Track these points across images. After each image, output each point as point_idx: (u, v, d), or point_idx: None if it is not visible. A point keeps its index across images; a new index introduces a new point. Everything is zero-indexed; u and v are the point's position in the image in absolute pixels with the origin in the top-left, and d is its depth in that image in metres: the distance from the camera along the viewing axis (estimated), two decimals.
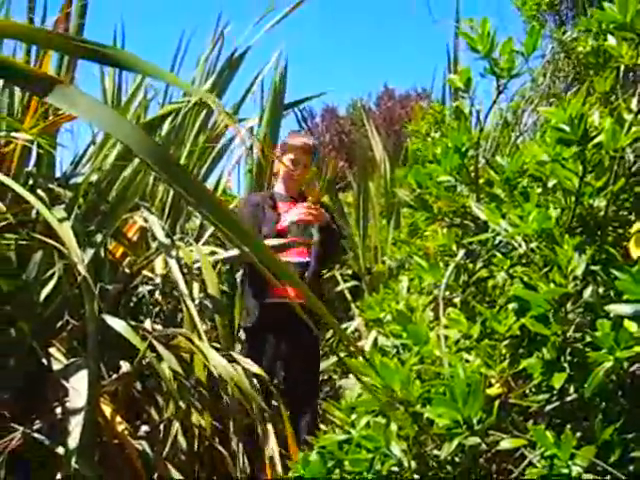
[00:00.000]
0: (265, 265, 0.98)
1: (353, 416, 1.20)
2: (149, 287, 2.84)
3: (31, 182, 2.50)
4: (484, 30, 1.29)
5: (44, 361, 1.98)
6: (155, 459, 2.07)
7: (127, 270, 2.80)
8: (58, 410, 1.96)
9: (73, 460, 1.69)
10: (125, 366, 2.32)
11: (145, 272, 2.81)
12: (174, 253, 2.53)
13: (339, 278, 4.59)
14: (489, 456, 1.08)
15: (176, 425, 2.34)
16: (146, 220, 3.02)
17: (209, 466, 2.54)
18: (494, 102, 1.43)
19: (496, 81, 1.34)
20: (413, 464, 1.09)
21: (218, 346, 2.51)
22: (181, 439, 2.39)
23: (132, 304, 2.84)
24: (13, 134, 2.30)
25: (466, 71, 1.36)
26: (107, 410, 1.98)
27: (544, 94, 3.59)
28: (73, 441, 1.73)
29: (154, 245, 3.07)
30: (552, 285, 1.04)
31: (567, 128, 1.12)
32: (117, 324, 2.25)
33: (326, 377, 4.01)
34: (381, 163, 5.08)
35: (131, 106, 3.34)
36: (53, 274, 2.21)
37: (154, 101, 3.82)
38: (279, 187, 3.39)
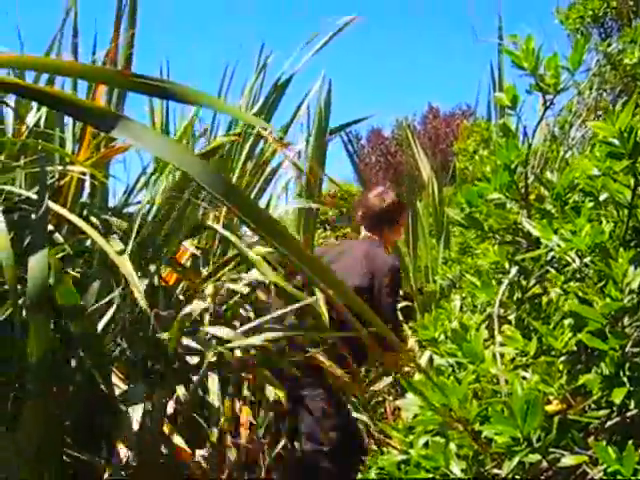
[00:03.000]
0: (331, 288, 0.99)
1: (410, 437, 1.20)
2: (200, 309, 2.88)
3: (85, 213, 2.56)
4: (529, 47, 1.30)
5: (103, 387, 2.02)
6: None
7: (181, 296, 2.85)
8: (119, 435, 2.00)
9: None
10: (180, 390, 2.36)
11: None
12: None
13: None
14: (550, 474, 1.07)
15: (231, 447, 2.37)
16: (197, 248, 3.08)
17: None
18: (541, 118, 1.44)
19: (542, 97, 1.35)
20: None
21: None
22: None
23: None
24: (68, 167, 2.37)
25: (512, 88, 1.36)
26: (167, 431, 2.01)
27: (591, 107, 3.56)
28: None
29: (204, 271, 3.13)
30: (608, 299, 1.03)
31: (616, 142, 1.12)
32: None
33: (380, 399, 3.99)
34: (428, 183, 5.07)
35: (183, 141, 3.41)
36: (110, 303, 2.25)
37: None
38: None
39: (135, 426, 1.88)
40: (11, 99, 2.53)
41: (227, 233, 2.81)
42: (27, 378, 1.65)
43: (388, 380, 3.93)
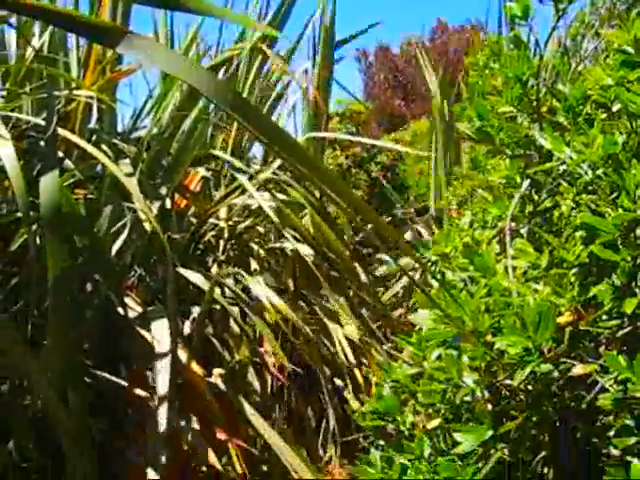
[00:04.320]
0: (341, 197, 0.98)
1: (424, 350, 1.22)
2: (213, 233, 2.90)
3: (95, 138, 2.55)
4: None
5: (120, 310, 2.05)
6: (231, 397, 2.14)
7: (193, 219, 2.86)
8: (140, 357, 2.04)
9: (164, 406, 1.76)
10: (195, 310, 2.40)
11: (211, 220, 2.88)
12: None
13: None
14: (561, 383, 1.09)
15: (249, 367, 2.42)
16: (208, 170, 3.08)
17: (285, 407, 2.62)
18: (554, 28, 1.40)
19: (555, 6, 1.31)
20: (486, 394, 1.11)
21: None
22: (254, 381, 2.47)
23: (199, 252, 2.91)
24: (75, 92, 2.35)
25: None
26: (183, 355, 2.05)
27: (605, 17, 3.47)
28: (162, 387, 1.80)
29: (216, 194, 3.13)
30: (620, 210, 1.03)
31: (631, 50, 1.10)
32: (187, 272, 2.32)
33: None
34: (437, 99, 5.00)
35: (188, 55, 3.36)
36: (123, 227, 2.27)
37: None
38: None
39: (157, 348, 1.91)
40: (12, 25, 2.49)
41: (233, 160, 2.82)
42: (47, 299, 1.67)
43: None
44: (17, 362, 1.67)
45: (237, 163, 2.83)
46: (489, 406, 1.10)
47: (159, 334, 1.94)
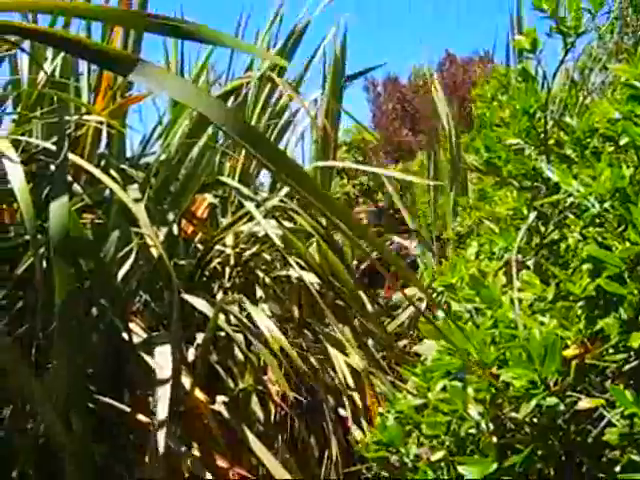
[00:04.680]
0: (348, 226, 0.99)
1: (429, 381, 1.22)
2: (219, 260, 2.90)
3: (104, 163, 2.57)
4: None
5: (125, 336, 2.05)
6: (234, 425, 2.13)
7: (199, 245, 2.87)
8: (143, 383, 2.03)
9: (162, 432, 1.75)
10: (200, 337, 2.39)
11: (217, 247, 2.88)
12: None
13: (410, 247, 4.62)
14: (567, 417, 1.08)
15: (253, 395, 2.41)
16: (216, 197, 3.09)
17: (288, 436, 2.60)
18: (561, 62, 1.41)
19: (563, 40, 1.32)
20: (491, 426, 1.10)
21: None
22: (258, 409, 2.45)
23: (205, 278, 2.91)
24: (85, 117, 2.37)
25: (532, 31, 1.34)
26: (187, 381, 2.04)
27: (612, 51, 3.49)
28: (162, 413, 1.80)
29: (223, 221, 3.14)
30: (627, 244, 1.03)
31: (639, 84, 1.10)
32: (192, 298, 2.32)
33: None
34: (447, 130, 5.01)
35: (198, 83, 3.38)
36: (130, 252, 2.27)
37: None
38: None
39: (159, 374, 1.91)
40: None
41: (240, 187, 2.83)
42: (53, 324, 1.67)
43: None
44: (21, 384, 1.67)
45: (245, 190, 2.84)
46: (494, 439, 1.09)
47: (162, 360, 1.94)
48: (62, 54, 2.53)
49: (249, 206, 2.70)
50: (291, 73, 3.99)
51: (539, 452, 1.07)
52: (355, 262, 4.24)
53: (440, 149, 5.01)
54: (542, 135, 1.34)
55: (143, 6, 2.67)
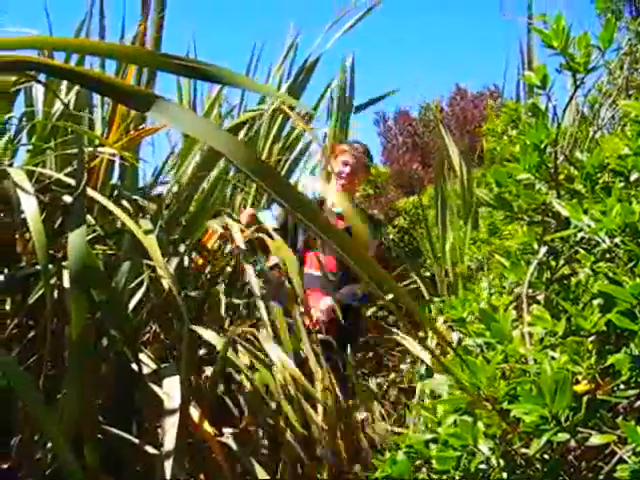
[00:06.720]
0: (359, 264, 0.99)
1: (439, 415, 1.21)
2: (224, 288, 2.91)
3: (116, 194, 2.59)
4: (559, 26, 1.29)
5: (134, 366, 2.05)
6: (242, 457, 2.12)
7: (209, 276, 2.88)
8: (151, 413, 2.03)
9: (169, 462, 1.74)
10: (209, 370, 2.39)
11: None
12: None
13: (419, 281, 4.63)
14: (578, 453, 1.07)
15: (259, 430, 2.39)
16: (225, 228, 3.10)
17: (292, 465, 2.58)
18: (571, 98, 1.42)
19: (573, 76, 1.34)
20: (501, 462, 1.09)
21: None
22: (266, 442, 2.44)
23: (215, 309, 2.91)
24: (98, 149, 2.39)
25: (542, 68, 1.36)
26: (195, 413, 2.04)
27: (622, 87, 3.51)
28: (169, 444, 1.79)
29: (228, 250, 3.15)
30: (638, 279, 1.03)
31: None
32: (201, 329, 2.32)
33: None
34: (456, 164, 5.03)
35: (211, 114, 3.42)
36: (141, 284, 2.28)
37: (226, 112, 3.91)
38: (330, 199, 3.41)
39: (168, 405, 1.90)
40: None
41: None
42: (64, 353, 1.67)
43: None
44: (31, 413, 1.67)
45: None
46: (504, 474, 1.09)
47: (170, 391, 1.94)
48: (76, 87, 2.56)
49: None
50: (306, 100, 4.04)
51: None
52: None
53: (449, 183, 5.02)
54: (552, 170, 1.35)
55: (157, 46, 2.71)
